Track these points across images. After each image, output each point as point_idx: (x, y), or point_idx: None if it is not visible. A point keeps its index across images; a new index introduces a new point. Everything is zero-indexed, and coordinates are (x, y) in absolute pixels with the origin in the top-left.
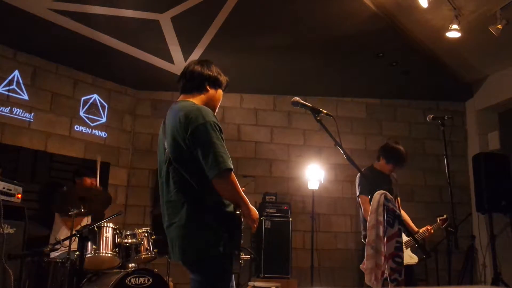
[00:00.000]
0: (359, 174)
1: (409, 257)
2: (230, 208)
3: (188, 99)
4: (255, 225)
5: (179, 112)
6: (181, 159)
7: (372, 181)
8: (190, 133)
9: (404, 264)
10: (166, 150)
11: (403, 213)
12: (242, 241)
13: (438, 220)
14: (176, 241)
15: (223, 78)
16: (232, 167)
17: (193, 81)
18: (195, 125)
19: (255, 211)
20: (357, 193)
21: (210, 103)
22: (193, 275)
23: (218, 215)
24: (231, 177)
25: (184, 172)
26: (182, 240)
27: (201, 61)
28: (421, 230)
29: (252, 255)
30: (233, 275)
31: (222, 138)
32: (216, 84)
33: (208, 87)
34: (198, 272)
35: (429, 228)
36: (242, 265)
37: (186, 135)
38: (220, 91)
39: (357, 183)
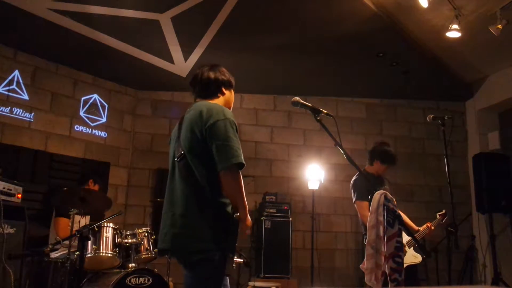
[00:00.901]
0: (353, 179)
1: (413, 257)
2: (229, 209)
3: (207, 101)
4: (247, 232)
5: (201, 107)
6: (194, 151)
7: (368, 184)
8: (209, 126)
9: (408, 263)
10: (178, 145)
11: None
12: (236, 244)
13: (438, 216)
14: (170, 229)
15: (232, 79)
16: (244, 163)
17: (209, 88)
18: (215, 119)
19: (249, 218)
20: (354, 199)
21: (227, 105)
22: (186, 270)
23: (217, 214)
24: (239, 174)
25: (193, 165)
26: (175, 228)
27: (212, 67)
28: (421, 228)
29: (245, 260)
30: (227, 277)
31: (238, 137)
32: (229, 85)
33: (224, 90)
34: (189, 266)
35: (429, 225)
36: (234, 268)
37: (204, 127)
38: (232, 91)
39: (352, 189)
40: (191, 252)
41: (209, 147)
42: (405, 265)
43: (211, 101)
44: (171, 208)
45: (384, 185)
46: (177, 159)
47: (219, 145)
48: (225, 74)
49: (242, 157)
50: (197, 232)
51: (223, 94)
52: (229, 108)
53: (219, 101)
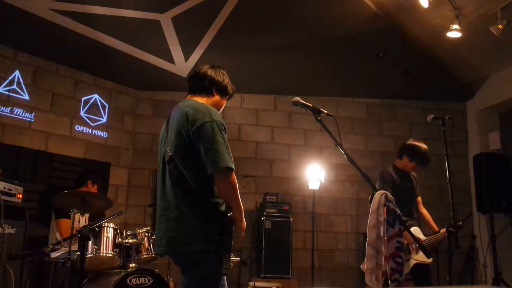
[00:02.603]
0: (380, 173)
1: (424, 256)
2: (223, 208)
3: (195, 99)
4: (242, 233)
5: (187, 108)
6: (182, 153)
7: (393, 180)
8: (196, 129)
9: (420, 262)
10: (166, 146)
11: (425, 212)
12: (232, 244)
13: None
14: (165, 233)
15: (231, 89)
16: (233, 167)
17: (202, 83)
18: (202, 121)
19: (244, 221)
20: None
21: (214, 108)
22: (182, 272)
23: (210, 214)
24: (231, 176)
25: (182, 167)
26: (170, 232)
27: (213, 66)
28: (441, 232)
29: (242, 258)
30: (225, 277)
31: (225, 138)
32: (223, 92)
33: (215, 93)
34: (185, 268)
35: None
36: (232, 266)
37: (191, 130)
38: (224, 100)
39: (378, 182)
40: (186, 254)
41: (197, 149)
42: (415, 262)
43: (199, 100)
44: (165, 212)
45: (410, 183)
46: (167, 161)
47: (206, 148)
48: (222, 77)
49: (230, 161)
50: (191, 234)
51: (212, 95)
52: None
53: (206, 101)
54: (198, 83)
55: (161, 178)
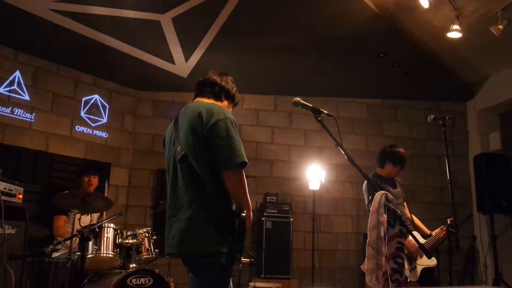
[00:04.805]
0: (365, 182)
1: (429, 260)
2: (234, 208)
3: (205, 101)
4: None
5: (199, 108)
6: (198, 153)
7: (372, 188)
8: (211, 126)
9: (424, 266)
10: (177, 145)
11: (413, 216)
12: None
13: (449, 221)
14: (177, 233)
15: (237, 97)
16: (247, 161)
17: (212, 89)
18: (216, 119)
19: (251, 217)
20: (367, 202)
21: None
22: (191, 272)
23: (224, 214)
24: (242, 174)
25: (197, 167)
26: (182, 232)
27: (222, 74)
28: (434, 233)
29: (252, 259)
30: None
31: (238, 136)
32: (230, 97)
33: (223, 98)
34: (196, 269)
35: (443, 229)
36: (241, 268)
37: (205, 128)
38: (231, 107)
39: (365, 192)
40: (199, 256)
41: (210, 147)
42: (421, 267)
43: (207, 101)
44: (177, 212)
45: (396, 187)
46: (179, 160)
47: (221, 145)
48: (231, 84)
49: (244, 156)
50: (205, 235)
51: (221, 100)
52: None
53: (217, 103)
54: (208, 88)
55: (172, 178)
